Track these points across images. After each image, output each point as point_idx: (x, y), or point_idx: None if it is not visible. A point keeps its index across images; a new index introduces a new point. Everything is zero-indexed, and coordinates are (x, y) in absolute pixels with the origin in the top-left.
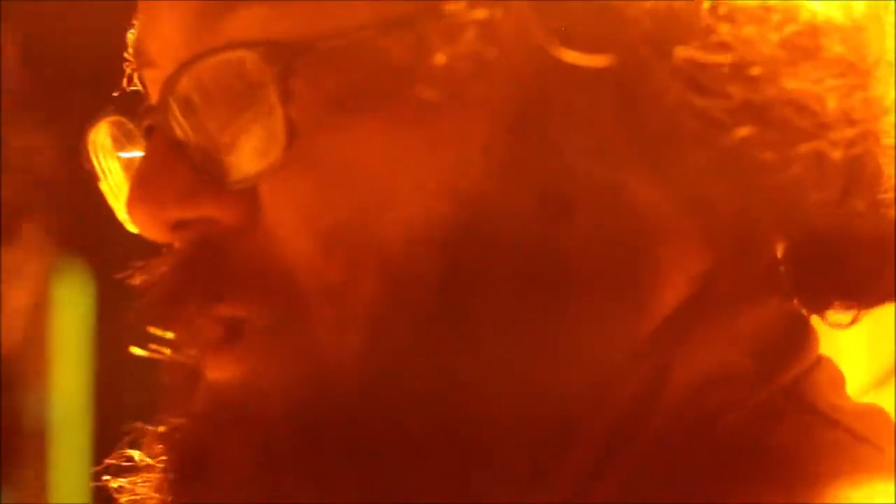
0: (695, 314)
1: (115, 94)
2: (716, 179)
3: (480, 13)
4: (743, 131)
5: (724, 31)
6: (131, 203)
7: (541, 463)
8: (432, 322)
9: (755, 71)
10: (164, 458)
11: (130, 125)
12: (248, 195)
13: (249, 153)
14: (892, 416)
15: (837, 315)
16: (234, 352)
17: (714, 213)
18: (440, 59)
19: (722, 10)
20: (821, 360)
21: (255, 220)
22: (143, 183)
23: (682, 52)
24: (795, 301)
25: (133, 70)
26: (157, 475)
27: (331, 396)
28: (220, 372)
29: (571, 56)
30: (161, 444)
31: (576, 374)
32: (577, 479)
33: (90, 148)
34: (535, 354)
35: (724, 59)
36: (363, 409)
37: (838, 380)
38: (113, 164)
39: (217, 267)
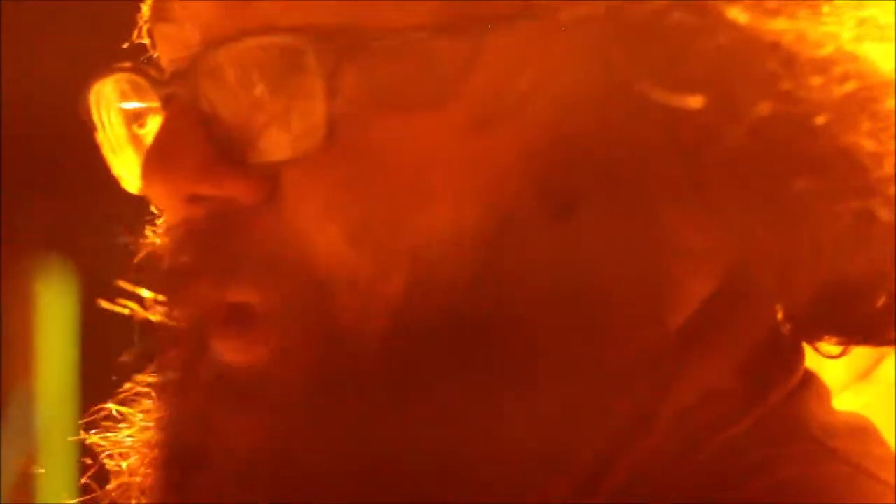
0: (696, 333)
1: (124, 46)
2: (759, 220)
3: (545, 26)
4: (799, 182)
5: (789, 80)
6: (148, 171)
7: (538, 473)
8: (456, 323)
9: (818, 122)
10: (158, 428)
11: (140, 79)
12: (270, 177)
13: (283, 137)
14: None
15: (828, 346)
16: (244, 337)
17: (744, 247)
18: (495, 69)
19: (786, 58)
20: (807, 376)
21: (275, 203)
22: (163, 153)
23: (753, 106)
24: (788, 326)
25: (146, 22)
26: (146, 435)
27: (347, 387)
28: (226, 354)
29: (659, 94)
30: (155, 410)
31: (589, 385)
32: (571, 492)
33: (92, 99)
34: (556, 365)
35: (789, 109)
36: (380, 404)
37: (825, 394)
38: (115, 116)
39: (233, 246)
